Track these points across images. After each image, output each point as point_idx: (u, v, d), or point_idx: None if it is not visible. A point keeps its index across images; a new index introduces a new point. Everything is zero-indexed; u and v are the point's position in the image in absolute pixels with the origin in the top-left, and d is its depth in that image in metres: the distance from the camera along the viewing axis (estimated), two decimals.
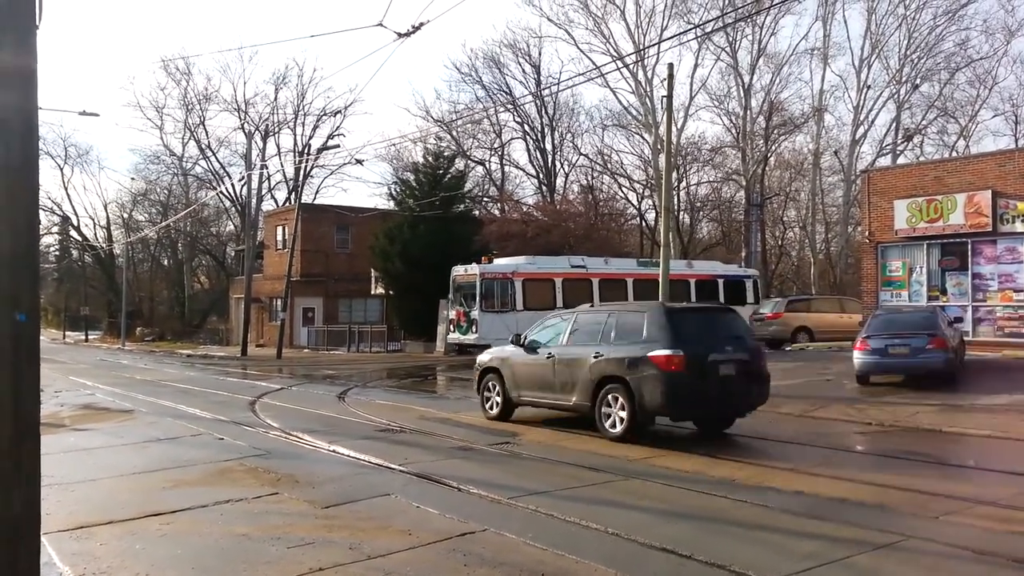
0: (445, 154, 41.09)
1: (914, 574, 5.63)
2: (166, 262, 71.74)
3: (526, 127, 51.56)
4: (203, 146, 60.53)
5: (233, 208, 60.78)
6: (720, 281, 31.12)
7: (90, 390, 20.61)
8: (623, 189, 51.67)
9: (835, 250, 48.76)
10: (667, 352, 10.47)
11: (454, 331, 26.95)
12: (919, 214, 20.99)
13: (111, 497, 8.12)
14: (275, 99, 59.23)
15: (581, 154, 53.15)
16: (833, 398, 14.98)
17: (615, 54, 42.33)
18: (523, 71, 51.96)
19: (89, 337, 66.38)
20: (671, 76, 19.59)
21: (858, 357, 15.91)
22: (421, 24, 15.01)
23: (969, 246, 20.34)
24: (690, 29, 38.07)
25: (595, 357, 11.29)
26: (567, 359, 11.87)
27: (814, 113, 44.70)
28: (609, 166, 51.17)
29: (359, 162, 36.27)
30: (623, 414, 10.78)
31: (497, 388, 13.21)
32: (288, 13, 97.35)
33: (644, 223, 51.03)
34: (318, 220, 43.37)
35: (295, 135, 59.36)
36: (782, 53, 46.18)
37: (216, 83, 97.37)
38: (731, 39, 43.67)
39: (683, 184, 49.38)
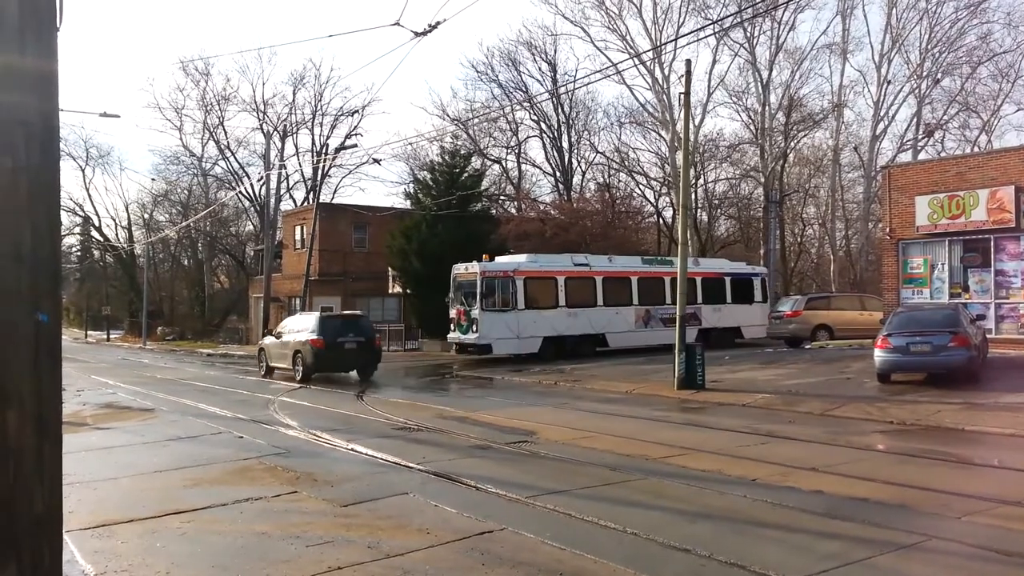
0: (462, 153, 41.05)
1: (937, 575, 5.57)
2: (186, 262, 72.23)
3: (542, 125, 51.46)
4: (222, 146, 60.92)
5: (252, 208, 61.12)
6: (727, 279, 30.54)
7: (112, 389, 20.82)
8: (640, 187, 51.49)
9: (855, 247, 48.22)
10: (315, 337, 21.35)
11: (455, 330, 26.12)
12: (940, 210, 20.76)
13: (132, 495, 8.20)
14: (293, 99, 59.50)
15: (598, 152, 52.96)
16: (853, 397, 14.85)
17: (632, 51, 42.14)
18: (539, 69, 51.83)
19: (111, 336, 66.98)
20: (689, 73, 19.45)
21: (879, 355, 15.75)
22: (438, 23, 15.05)
23: (992, 242, 20.08)
24: (707, 25, 37.84)
25: (293, 341, 22.25)
26: (285, 342, 22.87)
27: (833, 109, 44.25)
28: (626, 164, 50.99)
29: (376, 161, 36.39)
30: (300, 368, 21.58)
31: (264, 358, 24.32)
32: (306, 13, 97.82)
33: (661, 221, 50.78)
34: (336, 219, 43.52)
35: (313, 135, 59.59)
36: (801, 48, 45.53)
37: (235, 84, 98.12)
38: (749, 35, 43.32)
39: (701, 181, 49.00)
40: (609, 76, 39.81)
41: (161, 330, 59.88)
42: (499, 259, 26.82)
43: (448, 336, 27.51)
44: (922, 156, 42.32)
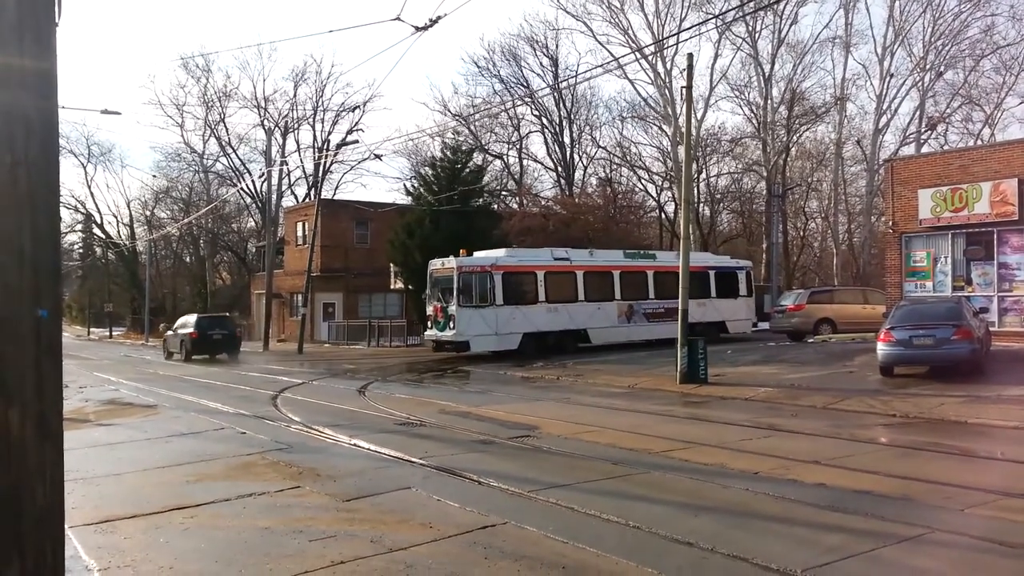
0: (463, 148, 41.02)
1: (940, 567, 5.56)
2: (188, 259, 72.33)
3: (544, 120, 51.40)
4: (223, 143, 60.95)
5: (254, 204, 61.17)
6: (712, 273, 30.12)
7: (114, 385, 20.86)
8: (642, 181, 51.43)
9: (858, 241, 48.19)
10: (193, 331, 30.61)
11: (432, 327, 25.59)
12: (943, 203, 20.72)
13: (135, 491, 8.22)
14: (294, 95, 59.50)
15: (599, 146, 52.92)
16: (856, 390, 14.84)
17: (633, 45, 42.06)
18: (540, 64, 51.81)
19: (113, 333, 67.11)
20: (691, 67, 19.41)
21: (882, 348, 15.74)
22: (438, 18, 15.06)
23: (995, 235, 20.04)
24: (709, 19, 37.77)
25: (181, 333, 31.51)
26: (177, 334, 31.93)
27: (836, 102, 44.15)
28: (628, 158, 50.92)
29: (378, 157, 36.04)
30: (184, 351, 30.84)
31: (166, 346, 33.84)
32: (306, 9, 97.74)
33: (664, 215, 50.74)
34: (337, 215, 43.53)
35: (314, 131, 59.58)
36: (804, 42, 45.82)
37: (236, 80, 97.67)
38: (751, 28, 43.27)
39: (703, 175, 48.95)
40: (611, 70, 39.76)
41: (163, 327, 59.87)
42: (477, 254, 26.19)
43: (425, 333, 26.95)
44: (925, 149, 42.26)
